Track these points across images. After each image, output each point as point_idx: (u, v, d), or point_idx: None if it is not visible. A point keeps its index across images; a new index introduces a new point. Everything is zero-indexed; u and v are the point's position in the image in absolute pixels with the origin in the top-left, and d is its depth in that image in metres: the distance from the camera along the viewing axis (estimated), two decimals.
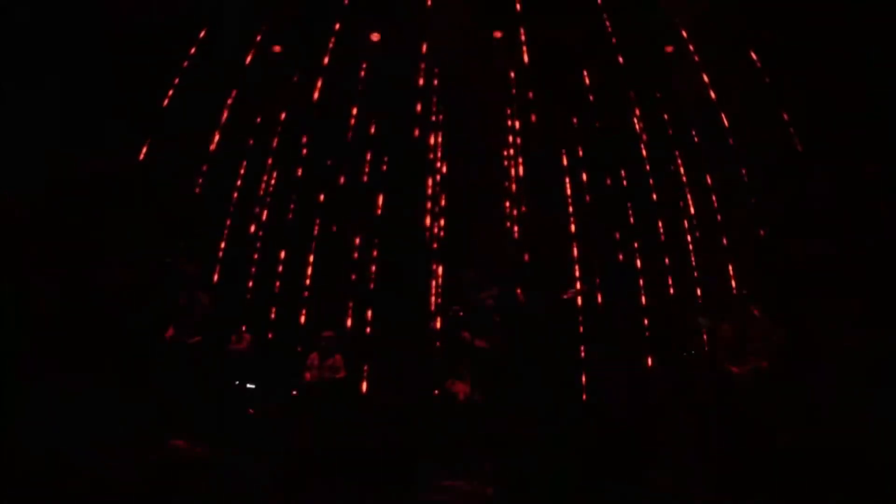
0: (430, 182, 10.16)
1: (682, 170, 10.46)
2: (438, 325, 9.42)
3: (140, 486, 6.78)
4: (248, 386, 9.15)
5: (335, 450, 7.79)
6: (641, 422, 7.97)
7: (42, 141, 9.61)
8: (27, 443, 7.07)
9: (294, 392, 9.17)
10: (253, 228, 10.43)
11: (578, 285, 9.77)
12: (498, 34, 10.58)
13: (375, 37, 10.67)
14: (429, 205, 10.06)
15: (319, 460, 7.56)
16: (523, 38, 10.27)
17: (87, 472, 6.85)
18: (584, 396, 9.10)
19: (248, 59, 10.36)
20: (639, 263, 10.13)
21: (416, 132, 10.33)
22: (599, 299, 9.80)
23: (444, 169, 10.33)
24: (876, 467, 6.86)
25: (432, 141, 10.29)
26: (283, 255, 10.36)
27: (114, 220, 9.89)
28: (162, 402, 8.40)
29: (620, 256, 10.18)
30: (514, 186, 10.48)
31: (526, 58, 10.21)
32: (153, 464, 7.31)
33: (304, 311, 10.09)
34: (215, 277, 10.06)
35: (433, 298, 9.65)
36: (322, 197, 10.51)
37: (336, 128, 10.62)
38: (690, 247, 10.20)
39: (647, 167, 10.38)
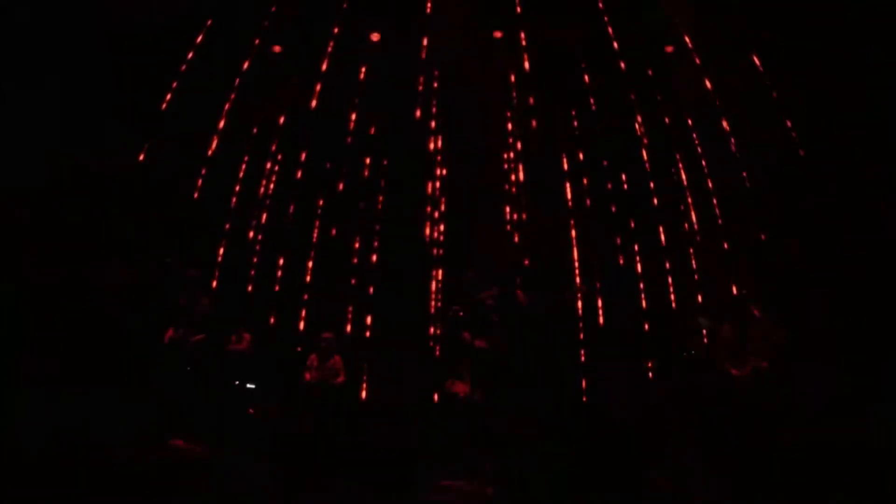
0: (430, 185, 10.16)
1: (682, 171, 10.46)
2: (438, 327, 9.42)
3: (140, 486, 6.78)
4: (248, 386, 9.15)
5: (335, 450, 7.79)
6: (641, 422, 7.96)
7: (42, 141, 9.61)
8: (27, 443, 7.07)
9: (294, 393, 9.17)
10: (253, 229, 10.43)
11: (579, 286, 9.77)
12: (498, 34, 10.57)
13: (375, 37, 10.67)
14: (428, 209, 10.07)
15: (319, 460, 7.56)
16: (524, 42, 10.27)
17: (87, 473, 6.85)
18: (584, 397, 9.10)
19: (248, 59, 10.36)
20: (639, 264, 10.13)
21: (417, 133, 10.32)
22: (600, 300, 9.80)
23: (445, 171, 10.33)
24: (876, 467, 6.86)
25: (432, 143, 10.29)
26: (282, 256, 10.35)
27: (114, 220, 9.89)
28: (162, 402, 8.40)
29: (621, 257, 10.18)
30: (514, 188, 10.48)
31: (527, 64, 10.21)
32: (153, 464, 7.31)
33: (303, 313, 10.07)
34: (215, 278, 10.06)
35: (433, 301, 9.66)
36: (322, 197, 10.51)
37: (336, 129, 10.61)
38: (690, 249, 10.20)
39: (648, 167, 10.38)
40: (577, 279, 9.86)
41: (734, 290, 9.46)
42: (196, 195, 10.21)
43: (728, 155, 10.14)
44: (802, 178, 9.90)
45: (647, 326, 9.76)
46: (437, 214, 10.13)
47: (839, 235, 9.77)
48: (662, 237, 10.22)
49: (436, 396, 8.91)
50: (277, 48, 10.63)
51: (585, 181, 10.38)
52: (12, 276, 8.12)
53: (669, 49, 10.52)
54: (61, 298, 9.03)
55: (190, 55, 10.07)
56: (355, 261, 10.28)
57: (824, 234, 9.78)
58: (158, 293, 9.35)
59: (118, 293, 9.25)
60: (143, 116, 10.04)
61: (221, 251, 10.21)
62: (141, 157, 9.98)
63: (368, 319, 9.88)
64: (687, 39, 10.26)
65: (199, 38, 10.10)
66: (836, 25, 9.60)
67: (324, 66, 10.37)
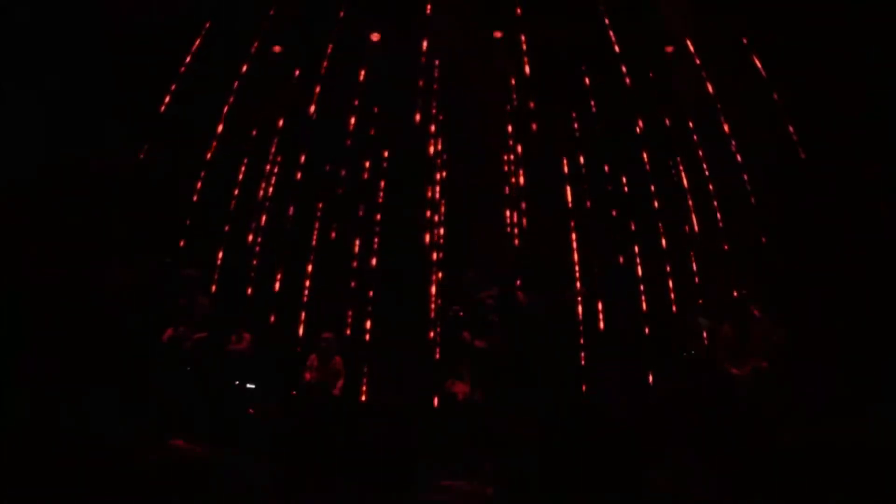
0: (430, 189, 10.16)
1: (682, 172, 10.46)
2: (438, 328, 9.42)
3: (140, 486, 6.77)
4: (248, 386, 9.15)
5: (335, 450, 7.78)
6: (641, 422, 7.95)
7: (42, 141, 9.61)
8: (27, 443, 7.06)
9: (294, 392, 9.17)
10: (252, 229, 10.43)
11: (579, 286, 9.77)
12: (498, 34, 10.58)
13: (375, 37, 10.67)
14: (428, 213, 10.07)
15: (319, 460, 7.55)
16: (524, 45, 10.28)
17: (87, 473, 6.84)
18: (584, 397, 9.09)
19: (248, 60, 10.36)
20: (639, 264, 10.13)
21: (417, 134, 10.33)
22: (600, 301, 9.80)
23: (444, 174, 10.33)
24: (876, 467, 6.85)
25: (432, 146, 10.30)
26: (282, 256, 10.35)
27: (114, 220, 9.89)
28: (162, 402, 8.39)
29: (621, 258, 10.18)
30: (514, 189, 10.48)
31: (528, 68, 10.22)
32: (153, 464, 7.30)
33: (303, 315, 10.07)
34: (215, 278, 10.06)
35: (433, 303, 9.66)
36: (321, 199, 10.51)
37: (336, 130, 10.61)
38: (691, 250, 10.20)
39: (648, 168, 10.38)
40: (578, 280, 9.86)
41: (734, 290, 9.45)
42: (196, 196, 10.22)
43: (728, 156, 10.14)
44: (802, 178, 9.90)
45: (647, 327, 9.76)
46: (437, 218, 10.14)
47: (839, 235, 9.77)
48: (662, 238, 10.22)
49: (436, 398, 8.90)
50: (277, 49, 10.64)
51: (584, 176, 10.39)
52: (12, 276, 8.12)
53: (669, 49, 10.54)
54: (61, 298, 9.02)
55: (189, 56, 10.08)
56: (355, 263, 10.28)
57: (824, 234, 9.78)
58: (158, 293, 9.34)
59: (118, 293, 9.24)
60: (143, 116, 10.05)
61: (221, 252, 10.22)
62: (141, 157, 9.99)
63: (368, 320, 9.89)
64: (687, 40, 10.27)
65: (199, 39, 10.11)
66: (836, 25, 9.60)
67: (324, 67, 10.38)
